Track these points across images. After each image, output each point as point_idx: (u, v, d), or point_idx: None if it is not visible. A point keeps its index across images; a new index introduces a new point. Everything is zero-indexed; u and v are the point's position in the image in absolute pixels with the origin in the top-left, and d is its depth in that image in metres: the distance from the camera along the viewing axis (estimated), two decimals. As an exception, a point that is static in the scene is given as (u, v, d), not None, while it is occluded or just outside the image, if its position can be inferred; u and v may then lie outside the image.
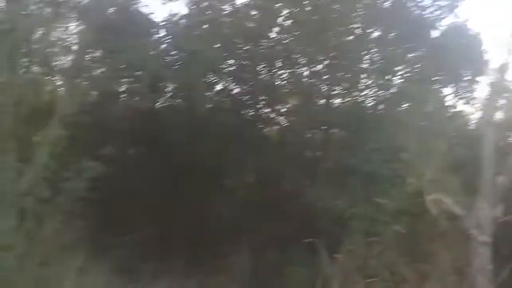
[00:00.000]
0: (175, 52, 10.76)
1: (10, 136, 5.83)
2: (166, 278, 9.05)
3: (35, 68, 9.47)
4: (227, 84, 11.35)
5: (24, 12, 7.76)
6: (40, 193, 6.03)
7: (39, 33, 9.42)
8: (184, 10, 11.16)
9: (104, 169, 6.53)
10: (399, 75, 10.44)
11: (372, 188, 8.45)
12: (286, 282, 9.31)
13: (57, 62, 10.06)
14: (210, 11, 10.78)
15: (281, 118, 11.65)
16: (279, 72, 11.15)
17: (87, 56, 9.88)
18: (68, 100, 8.27)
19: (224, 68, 11.03)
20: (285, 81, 11.22)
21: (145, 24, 10.61)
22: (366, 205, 8.38)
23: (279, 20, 10.76)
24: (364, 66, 10.55)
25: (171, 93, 11.15)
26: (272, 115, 11.59)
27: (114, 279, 7.98)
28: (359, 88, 10.69)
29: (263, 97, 11.24)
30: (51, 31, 9.92)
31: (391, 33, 10.44)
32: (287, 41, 10.75)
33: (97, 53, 10.16)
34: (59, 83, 9.77)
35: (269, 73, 11.11)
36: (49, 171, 6.10)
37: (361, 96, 10.75)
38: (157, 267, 9.11)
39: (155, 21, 10.81)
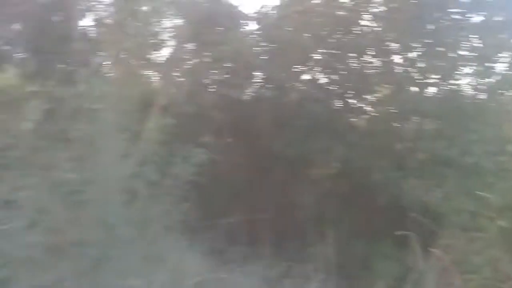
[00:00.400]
0: (265, 43, 10.95)
1: (121, 125, 6.27)
2: (253, 263, 9.28)
3: (133, 61, 10.19)
4: (316, 74, 11.32)
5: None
6: (149, 176, 6.39)
7: (137, 27, 10.11)
8: (275, 1, 11.36)
9: (207, 156, 6.86)
10: (503, 62, 9.75)
11: (472, 181, 8.01)
12: (373, 275, 9.13)
13: (154, 55, 10.74)
14: (301, 1, 10.82)
15: (370, 107, 11.41)
16: (370, 61, 10.89)
17: (182, 48, 10.42)
18: (167, 91, 8.82)
19: (314, 58, 11.02)
20: (376, 70, 10.93)
21: (237, 16, 10.92)
22: (465, 198, 7.97)
23: (372, 7, 10.52)
24: (463, 53, 9.96)
25: (260, 83, 11.37)
26: (361, 105, 11.38)
27: (208, 260, 8.38)
28: (457, 76, 10.13)
29: (352, 86, 11.06)
30: (149, 25, 10.59)
31: (494, 18, 9.75)
32: (380, 28, 10.47)
33: (191, 46, 10.67)
34: (156, 75, 10.39)
35: (360, 62, 10.89)
36: (157, 157, 6.49)
37: (458, 84, 10.18)
38: (245, 251, 9.38)
39: (246, 13, 11.10)
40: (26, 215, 4.75)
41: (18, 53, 11.30)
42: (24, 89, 6.83)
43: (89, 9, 10.68)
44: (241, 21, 11.11)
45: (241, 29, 11.12)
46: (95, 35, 10.01)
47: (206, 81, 10.67)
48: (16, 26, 11.02)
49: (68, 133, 5.32)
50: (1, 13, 10.39)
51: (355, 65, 10.91)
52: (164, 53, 10.55)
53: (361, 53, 10.73)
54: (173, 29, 10.59)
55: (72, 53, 8.87)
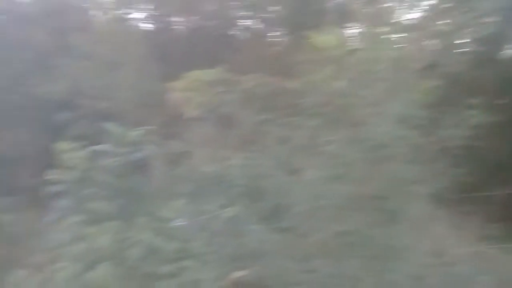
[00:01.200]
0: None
1: (397, 87, 6.25)
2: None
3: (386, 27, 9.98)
4: None
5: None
6: (413, 139, 6.23)
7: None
8: None
9: (475, 120, 6.30)
10: None
11: None
12: None
13: (407, 19, 10.32)
14: None
15: None
16: None
17: (437, 8, 9.72)
18: (425, 54, 8.39)
19: None
20: None
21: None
22: None
23: None
24: None
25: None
26: None
27: (467, 233, 7.85)
28: None
29: None
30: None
31: None
32: None
33: (446, 4, 9.83)
34: (411, 39, 9.97)
35: None
36: (424, 120, 6.22)
37: None
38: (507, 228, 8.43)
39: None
40: (332, 166, 5.33)
41: (277, 31, 12.71)
42: (341, 49, 7.36)
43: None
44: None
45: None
46: (347, 6, 10.29)
47: (465, 40, 9.70)
48: (275, 8, 12.46)
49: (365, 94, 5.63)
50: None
51: None
52: (417, 16, 10.04)
53: None
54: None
55: (327, 25, 9.33)
